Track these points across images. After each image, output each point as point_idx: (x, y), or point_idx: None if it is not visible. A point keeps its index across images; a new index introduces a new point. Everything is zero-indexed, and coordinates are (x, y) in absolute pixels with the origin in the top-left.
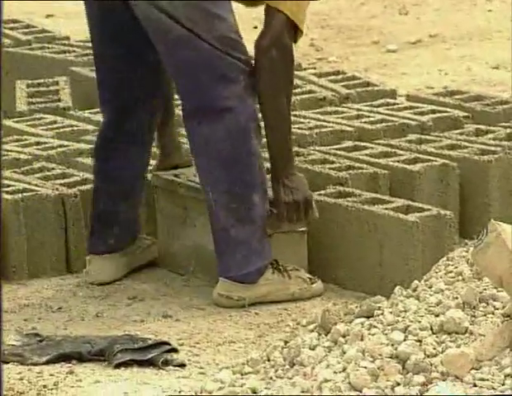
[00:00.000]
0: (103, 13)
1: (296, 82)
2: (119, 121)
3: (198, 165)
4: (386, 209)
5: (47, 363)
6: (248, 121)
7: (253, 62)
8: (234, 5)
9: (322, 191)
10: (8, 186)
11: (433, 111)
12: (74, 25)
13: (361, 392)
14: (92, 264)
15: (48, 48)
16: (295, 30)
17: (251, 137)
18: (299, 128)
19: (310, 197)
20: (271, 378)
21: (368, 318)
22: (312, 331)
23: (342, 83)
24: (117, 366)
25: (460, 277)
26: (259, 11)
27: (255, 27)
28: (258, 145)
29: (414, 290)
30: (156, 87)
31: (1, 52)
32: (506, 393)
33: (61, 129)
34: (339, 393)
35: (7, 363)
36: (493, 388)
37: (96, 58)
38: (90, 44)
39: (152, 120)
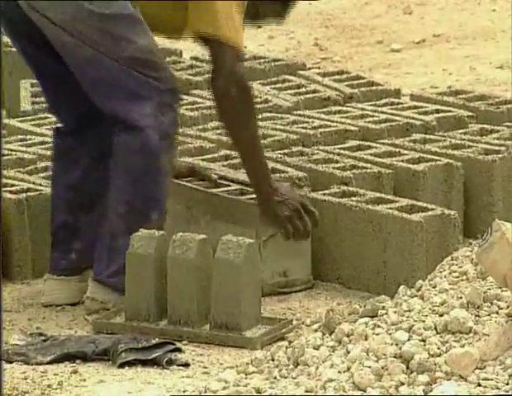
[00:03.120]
0: (30, 29)
1: (301, 81)
2: (78, 130)
3: (110, 166)
4: (390, 208)
5: (51, 363)
6: (160, 140)
7: (169, 78)
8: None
9: (326, 191)
10: (12, 185)
11: (438, 111)
12: None
13: (365, 391)
14: (47, 284)
15: None
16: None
17: (161, 155)
18: (303, 127)
19: (303, 198)
20: (275, 377)
21: (372, 317)
22: (316, 330)
23: (346, 83)
24: (121, 366)
25: (464, 277)
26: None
27: (259, 27)
28: (169, 162)
29: (419, 290)
30: None
31: (1, 51)
32: (510, 392)
33: None
34: (343, 393)
35: (11, 362)
36: (497, 388)
37: (36, 74)
38: None
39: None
